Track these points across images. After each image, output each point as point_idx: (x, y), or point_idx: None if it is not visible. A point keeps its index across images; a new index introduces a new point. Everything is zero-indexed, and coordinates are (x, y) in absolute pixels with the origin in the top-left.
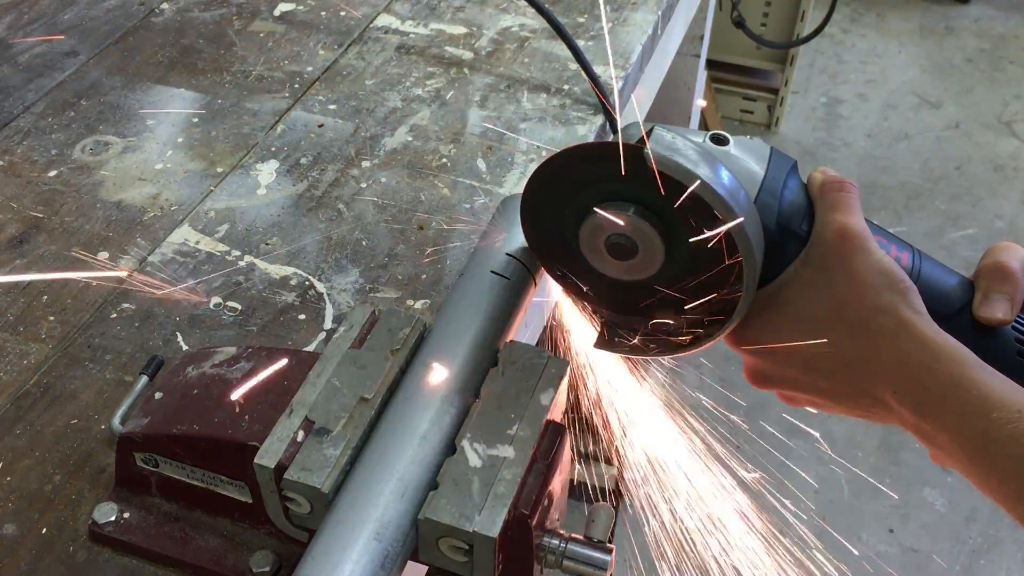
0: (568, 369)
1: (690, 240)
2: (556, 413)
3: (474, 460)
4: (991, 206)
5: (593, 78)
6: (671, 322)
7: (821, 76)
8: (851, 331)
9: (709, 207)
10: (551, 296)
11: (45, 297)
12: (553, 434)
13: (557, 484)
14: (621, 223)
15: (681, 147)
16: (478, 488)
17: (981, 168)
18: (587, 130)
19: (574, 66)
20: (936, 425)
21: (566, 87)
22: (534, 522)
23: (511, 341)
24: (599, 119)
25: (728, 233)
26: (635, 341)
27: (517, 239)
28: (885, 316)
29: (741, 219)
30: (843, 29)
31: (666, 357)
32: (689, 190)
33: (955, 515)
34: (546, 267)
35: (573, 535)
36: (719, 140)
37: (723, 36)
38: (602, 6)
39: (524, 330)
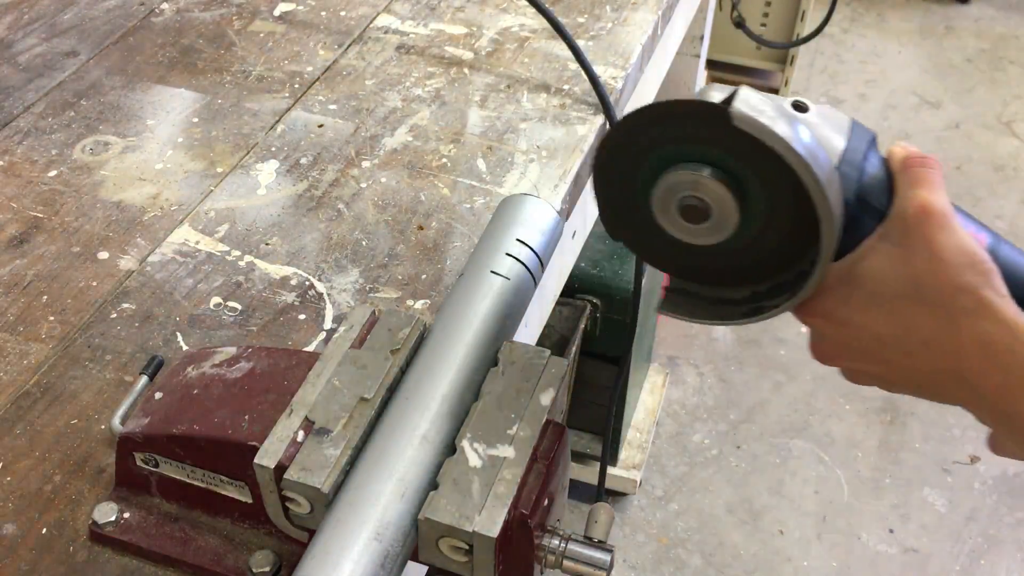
0: (568, 369)
1: (768, 203)
2: (556, 413)
3: (474, 460)
4: (991, 206)
5: (593, 78)
6: (739, 289)
7: (821, 76)
8: (930, 309)
9: (790, 172)
10: (550, 296)
11: (45, 297)
12: (553, 434)
13: (557, 484)
14: (696, 184)
15: (767, 109)
16: (478, 488)
17: (981, 168)
18: (587, 130)
19: (574, 66)
20: (1016, 407)
21: (566, 87)
22: (534, 522)
23: (511, 341)
24: (599, 119)
25: (807, 201)
26: (701, 307)
27: (517, 239)
28: (966, 296)
29: (823, 183)
30: (843, 29)
31: (731, 324)
32: (775, 152)
33: (955, 515)
34: (613, 229)
35: (573, 535)
36: (800, 107)
37: (723, 36)
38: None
39: (524, 330)
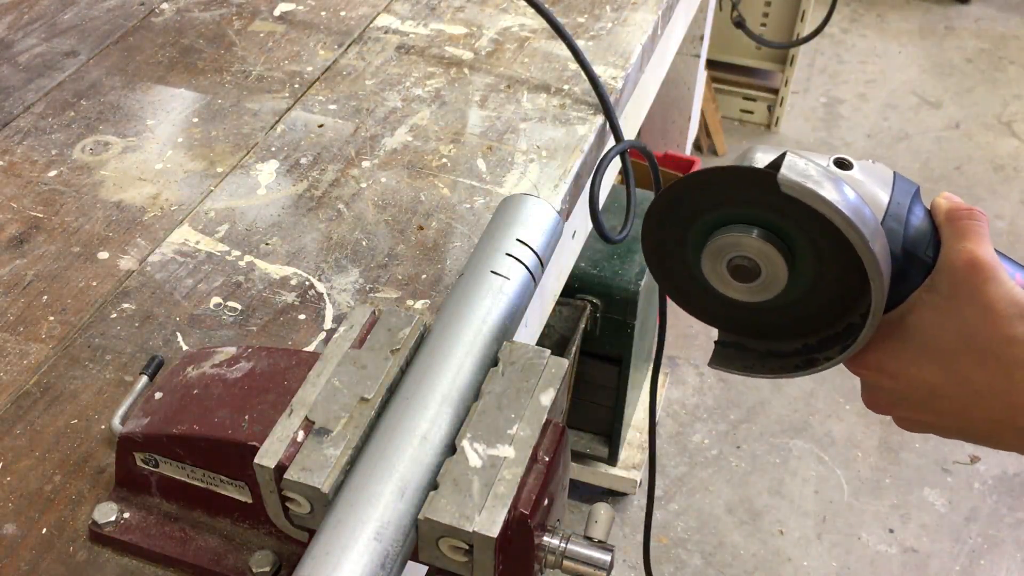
0: (568, 369)
1: (816, 261)
2: (556, 413)
3: (474, 460)
4: (991, 206)
5: (593, 78)
6: (790, 343)
7: (821, 76)
8: (982, 361)
9: (836, 231)
10: (550, 296)
11: (45, 297)
12: (553, 434)
13: (557, 484)
14: (746, 245)
15: (812, 173)
16: (478, 488)
17: (981, 168)
18: (587, 130)
19: (574, 66)
20: None
21: (566, 87)
22: (534, 522)
23: (511, 341)
24: (599, 119)
25: (855, 258)
26: (752, 360)
27: (517, 239)
28: (1019, 347)
29: (870, 242)
30: (843, 29)
31: (785, 377)
32: (820, 214)
33: (955, 515)
34: (664, 287)
35: (573, 535)
36: (843, 164)
37: (723, 36)
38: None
39: (524, 330)
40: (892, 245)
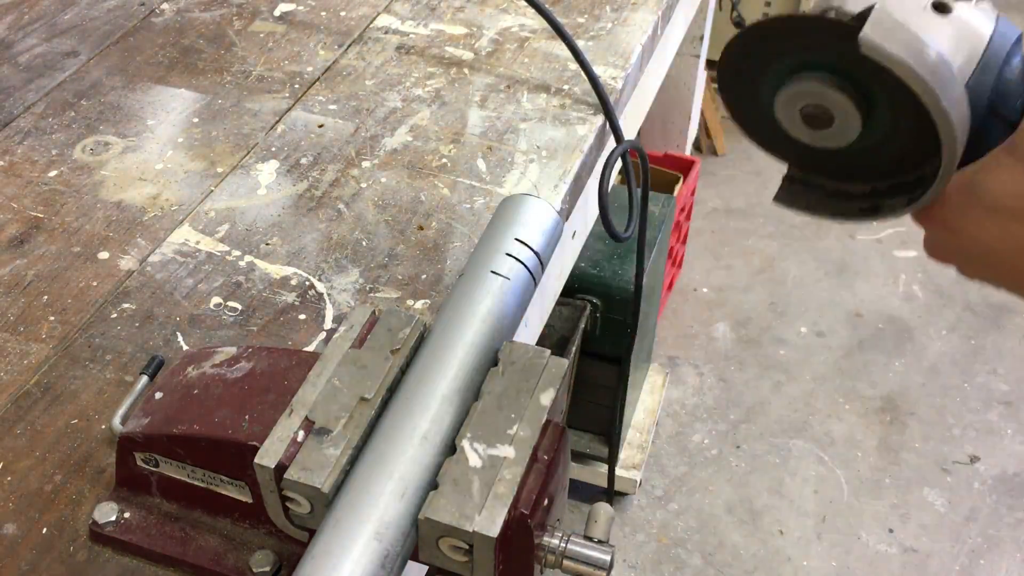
0: (568, 368)
1: (892, 115)
2: (556, 413)
3: (474, 460)
4: None
5: (593, 78)
6: (859, 186)
7: None
8: None
9: (915, 93)
10: (550, 296)
11: (45, 297)
12: (553, 434)
13: (557, 484)
14: (821, 94)
15: (898, 32)
16: (478, 488)
17: None
18: (587, 130)
19: (574, 66)
20: None
21: (566, 87)
22: (534, 522)
23: (511, 341)
24: (599, 119)
25: (931, 117)
26: (818, 199)
27: (517, 239)
28: None
29: (946, 108)
30: None
31: (844, 223)
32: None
33: (955, 515)
34: (736, 118)
35: (573, 535)
36: (941, 8)
37: (723, 36)
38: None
39: (524, 330)
40: (977, 100)
